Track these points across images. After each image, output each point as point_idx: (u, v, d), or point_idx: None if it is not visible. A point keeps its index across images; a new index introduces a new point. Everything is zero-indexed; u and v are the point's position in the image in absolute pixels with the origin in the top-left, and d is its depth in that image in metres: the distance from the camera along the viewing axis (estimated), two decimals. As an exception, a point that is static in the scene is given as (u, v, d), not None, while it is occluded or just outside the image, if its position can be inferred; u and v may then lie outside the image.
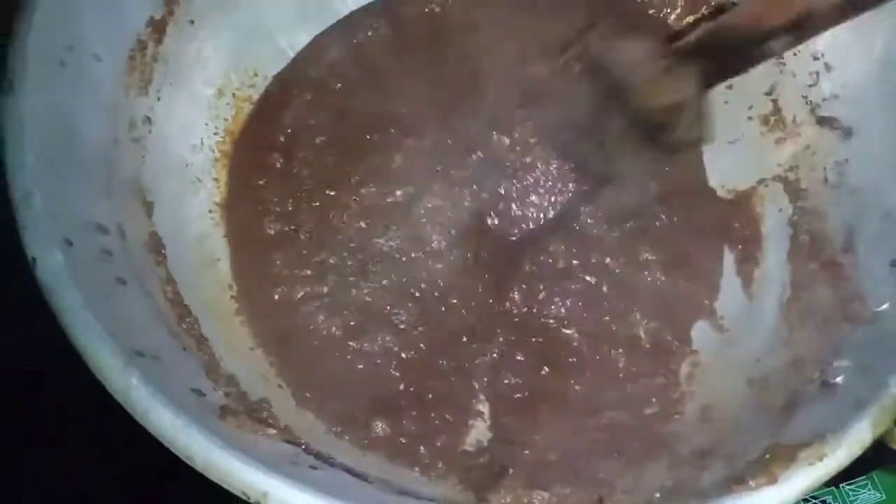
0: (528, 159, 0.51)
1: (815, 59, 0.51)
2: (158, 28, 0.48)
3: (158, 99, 0.48)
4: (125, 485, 0.48)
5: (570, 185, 0.51)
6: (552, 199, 0.51)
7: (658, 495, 0.36)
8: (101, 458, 0.48)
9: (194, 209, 0.49)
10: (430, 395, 0.46)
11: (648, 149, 0.48)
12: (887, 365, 0.37)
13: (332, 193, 0.50)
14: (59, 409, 0.48)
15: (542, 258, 0.50)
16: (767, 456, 0.35)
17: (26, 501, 0.49)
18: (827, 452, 0.34)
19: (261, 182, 0.50)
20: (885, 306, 0.41)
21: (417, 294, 0.48)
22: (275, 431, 0.38)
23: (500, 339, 0.48)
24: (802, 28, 0.41)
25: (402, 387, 0.46)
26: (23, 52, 0.39)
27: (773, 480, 0.34)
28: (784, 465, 0.34)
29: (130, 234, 0.42)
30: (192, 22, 0.50)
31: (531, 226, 0.50)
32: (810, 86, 0.51)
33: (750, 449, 0.37)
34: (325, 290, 0.47)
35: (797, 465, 0.34)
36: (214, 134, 0.51)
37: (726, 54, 0.44)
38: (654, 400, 0.46)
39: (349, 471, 0.37)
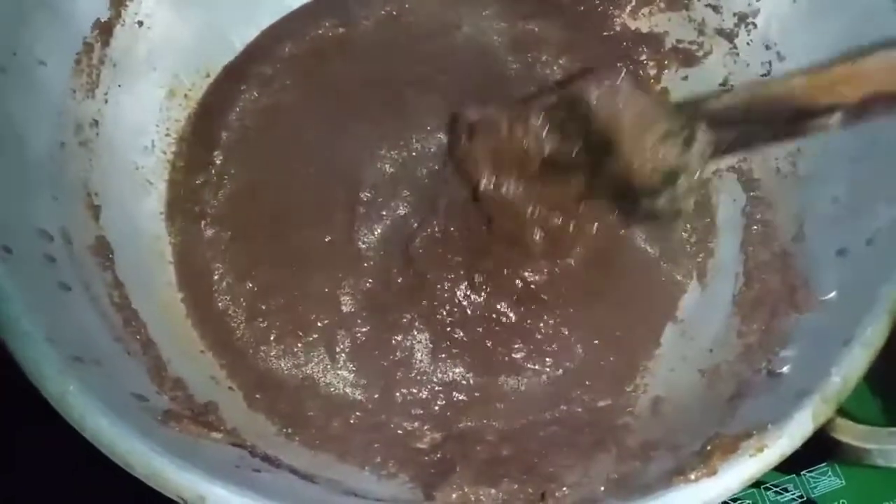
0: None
1: (768, 48, 0.51)
2: (105, 30, 0.48)
3: (106, 101, 0.48)
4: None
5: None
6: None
7: (603, 489, 0.37)
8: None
9: (145, 212, 0.49)
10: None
11: (615, 208, 0.44)
12: (830, 355, 0.37)
13: (272, 200, 0.49)
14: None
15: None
16: (709, 447, 0.35)
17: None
18: (767, 444, 0.34)
19: (199, 181, 0.50)
20: (831, 295, 0.41)
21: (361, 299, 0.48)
22: (220, 435, 0.37)
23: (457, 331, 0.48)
24: (868, 110, 0.37)
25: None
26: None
27: (712, 472, 0.34)
28: (725, 457, 0.34)
29: (76, 239, 0.42)
30: (140, 23, 0.50)
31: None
32: (763, 75, 0.51)
33: (696, 440, 0.37)
34: (266, 306, 0.47)
35: (737, 456, 0.34)
36: (166, 136, 0.51)
37: (758, 125, 0.40)
38: (607, 392, 0.46)
39: (295, 472, 0.37)
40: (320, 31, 0.55)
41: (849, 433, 0.37)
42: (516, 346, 0.47)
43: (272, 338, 0.46)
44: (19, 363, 0.34)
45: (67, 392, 0.33)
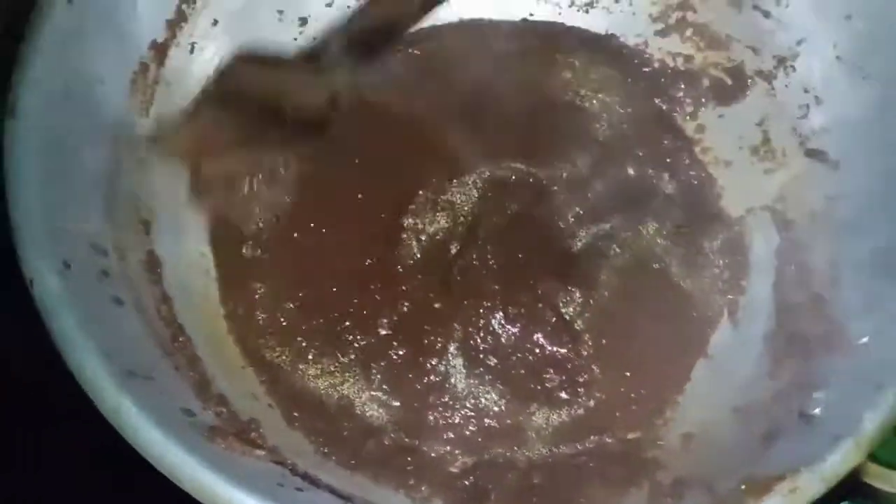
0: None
1: (806, 91, 0.51)
2: (161, 50, 0.49)
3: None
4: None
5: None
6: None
7: (637, 524, 0.37)
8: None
9: (192, 227, 0.50)
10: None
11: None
12: (863, 399, 0.37)
13: (313, 222, 0.51)
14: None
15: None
16: (743, 487, 0.36)
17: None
18: (801, 485, 0.35)
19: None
20: (864, 340, 0.41)
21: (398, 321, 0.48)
22: (263, 452, 0.38)
23: (491, 358, 0.49)
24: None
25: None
26: (27, 78, 0.40)
27: (746, 512, 0.34)
28: (758, 497, 0.35)
29: (128, 254, 0.43)
30: (194, 44, 0.51)
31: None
32: (800, 118, 0.52)
33: (729, 479, 0.37)
34: (305, 325, 0.48)
35: (771, 497, 0.35)
36: (215, 155, 0.52)
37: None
38: (637, 425, 0.47)
39: (334, 492, 0.38)
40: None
41: (880, 478, 0.38)
42: (548, 375, 0.48)
43: (310, 357, 0.47)
44: (76, 376, 0.35)
45: (122, 406, 0.34)
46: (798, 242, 0.49)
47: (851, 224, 0.46)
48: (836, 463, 0.36)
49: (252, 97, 0.49)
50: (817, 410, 0.40)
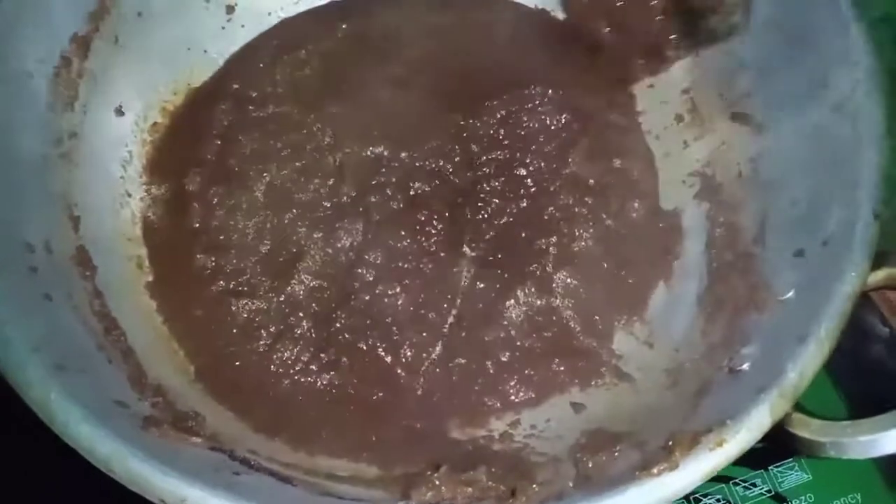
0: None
1: (730, 55, 0.53)
2: (83, 44, 0.49)
3: (85, 114, 0.49)
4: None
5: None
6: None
7: (571, 484, 0.38)
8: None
9: (124, 222, 0.50)
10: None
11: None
12: (787, 351, 0.38)
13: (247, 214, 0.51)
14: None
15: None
16: (671, 442, 0.36)
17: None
18: (727, 438, 0.36)
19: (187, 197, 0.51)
20: (789, 294, 0.42)
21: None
22: (200, 440, 0.38)
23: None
24: None
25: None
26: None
27: (675, 466, 0.35)
28: (686, 452, 0.35)
29: (57, 249, 0.43)
30: (117, 37, 0.51)
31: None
32: (725, 83, 0.53)
33: (660, 436, 0.38)
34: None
35: (698, 450, 0.35)
36: (144, 147, 0.52)
37: None
38: (576, 382, 0.48)
39: (274, 475, 0.38)
40: (302, 48, 0.56)
41: (804, 427, 0.39)
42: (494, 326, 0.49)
43: (246, 345, 0.47)
44: (2, 371, 0.35)
45: (50, 399, 0.34)
46: (727, 204, 0.50)
47: (774, 183, 0.48)
48: (762, 414, 0.36)
49: None
50: (745, 366, 0.41)
